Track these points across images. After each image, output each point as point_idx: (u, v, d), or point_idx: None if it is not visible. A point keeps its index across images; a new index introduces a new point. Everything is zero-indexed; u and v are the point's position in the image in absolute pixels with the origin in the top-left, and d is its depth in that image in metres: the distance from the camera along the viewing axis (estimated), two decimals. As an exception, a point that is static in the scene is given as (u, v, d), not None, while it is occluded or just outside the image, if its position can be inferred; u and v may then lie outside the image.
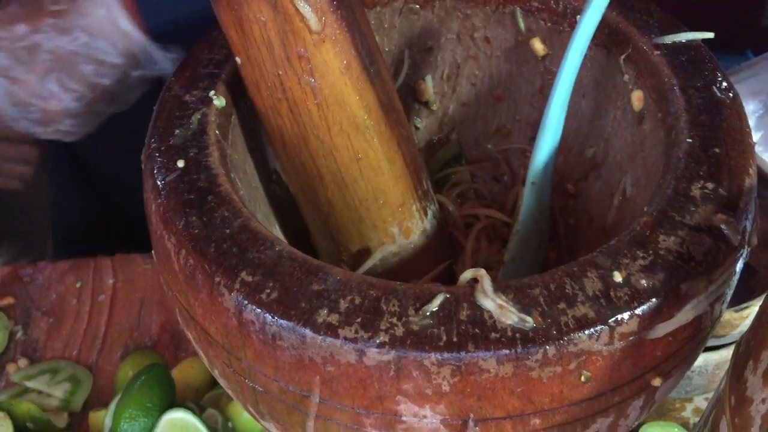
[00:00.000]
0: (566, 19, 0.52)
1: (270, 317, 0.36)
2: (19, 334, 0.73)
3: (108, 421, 0.62)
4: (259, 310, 0.37)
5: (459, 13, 0.56)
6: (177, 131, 0.44)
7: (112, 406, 0.63)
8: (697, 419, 0.66)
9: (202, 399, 0.66)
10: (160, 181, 0.42)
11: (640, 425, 0.63)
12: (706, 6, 0.89)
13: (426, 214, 0.52)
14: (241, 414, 0.63)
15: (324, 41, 0.43)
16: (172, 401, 0.62)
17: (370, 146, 0.47)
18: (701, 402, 0.67)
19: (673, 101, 0.45)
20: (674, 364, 0.40)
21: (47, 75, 0.67)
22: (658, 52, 0.48)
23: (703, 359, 0.60)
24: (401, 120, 0.50)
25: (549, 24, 0.53)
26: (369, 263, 0.49)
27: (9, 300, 0.75)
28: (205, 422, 0.60)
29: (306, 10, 0.41)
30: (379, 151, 0.47)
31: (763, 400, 0.33)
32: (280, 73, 0.43)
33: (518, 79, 0.57)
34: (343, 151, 0.46)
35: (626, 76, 0.50)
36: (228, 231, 0.39)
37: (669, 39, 0.48)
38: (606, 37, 0.50)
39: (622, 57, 0.49)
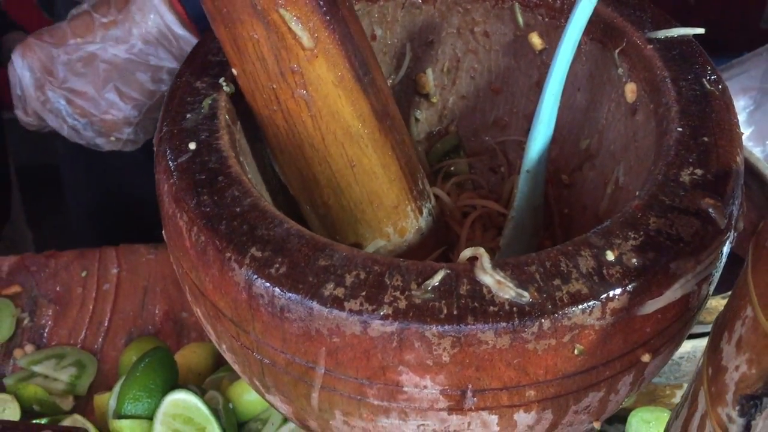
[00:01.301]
0: (563, 14, 0.54)
1: (279, 291, 0.38)
2: (26, 321, 0.75)
3: (112, 403, 0.64)
4: (268, 284, 0.38)
5: (459, 8, 0.58)
6: (188, 115, 0.46)
7: (117, 388, 0.64)
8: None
9: (204, 382, 0.68)
10: (172, 163, 0.44)
11: (630, 411, 0.65)
12: (704, 8, 0.91)
13: (421, 212, 0.54)
14: (242, 396, 0.65)
15: (317, 56, 0.44)
16: (174, 383, 0.64)
17: (364, 154, 0.48)
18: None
19: (665, 93, 0.47)
20: (663, 342, 0.42)
21: (105, 85, 0.69)
22: (651, 47, 0.50)
23: (691, 346, 0.62)
24: (396, 125, 0.51)
25: (547, 19, 0.55)
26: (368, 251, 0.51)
27: (16, 288, 0.77)
28: (206, 403, 0.62)
29: (298, 28, 0.43)
30: (373, 157, 0.49)
31: (737, 368, 0.35)
32: (275, 86, 0.45)
33: (516, 73, 0.59)
34: (338, 158, 0.48)
35: (620, 70, 0.51)
36: (238, 209, 0.41)
37: (662, 34, 0.50)
38: (601, 31, 0.52)
39: (617, 51, 0.51)
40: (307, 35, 0.43)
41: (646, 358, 0.41)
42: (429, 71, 0.61)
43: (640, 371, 0.42)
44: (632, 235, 0.40)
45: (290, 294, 0.38)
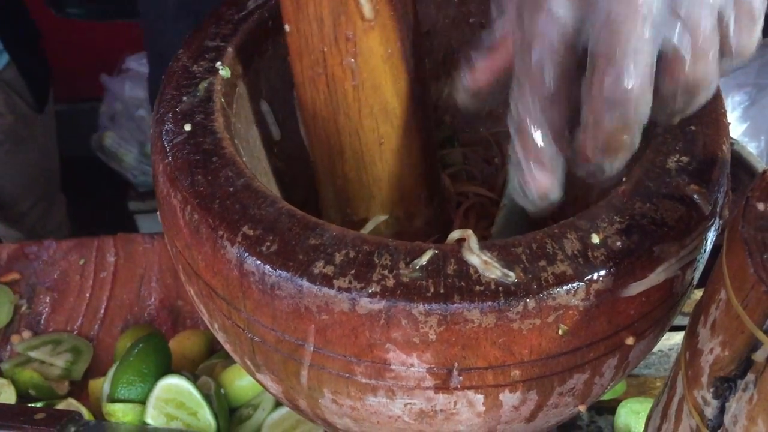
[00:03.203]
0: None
1: (269, 268, 0.39)
2: (23, 308, 0.75)
3: (106, 387, 0.64)
4: (259, 262, 0.39)
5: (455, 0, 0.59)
6: (184, 98, 0.47)
7: (111, 372, 0.65)
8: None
9: (197, 369, 0.69)
10: (168, 143, 0.44)
11: (619, 402, 0.65)
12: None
13: (432, 201, 0.54)
14: (233, 382, 0.65)
15: (373, 28, 0.45)
16: (167, 368, 0.65)
17: (395, 133, 0.49)
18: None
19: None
20: (647, 325, 0.42)
21: None
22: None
23: (681, 338, 0.62)
24: (428, 113, 0.52)
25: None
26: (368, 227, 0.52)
27: (15, 275, 0.78)
28: (199, 388, 0.62)
29: None
30: (402, 138, 0.49)
31: (711, 350, 0.36)
32: (325, 50, 0.45)
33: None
34: (369, 133, 0.48)
35: None
36: (231, 189, 0.42)
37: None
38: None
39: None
40: (370, 7, 0.43)
41: (630, 341, 0.42)
42: (425, 62, 0.62)
43: (624, 354, 0.43)
44: (617, 219, 0.40)
45: (280, 271, 0.39)
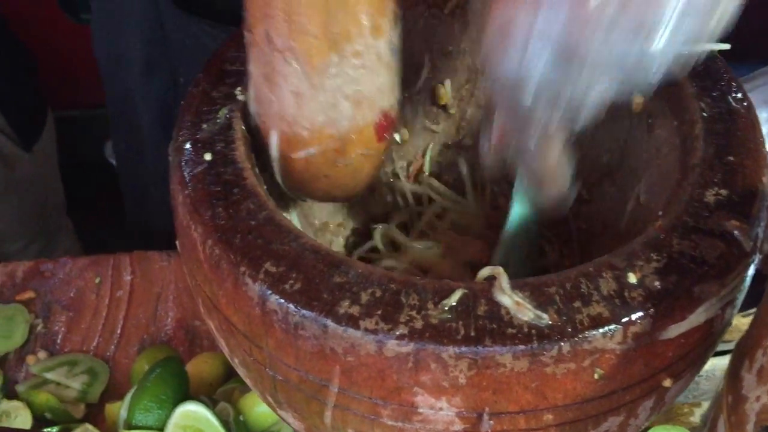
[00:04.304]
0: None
1: (293, 307, 0.37)
2: (39, 327, 0.74)
3: (123, 413, 0.63)
4: (282, 300, 0.38)
5: (479, 20, 0.57)
6: (204, 125, 0.45)
7: (128, 397, 0.64)
8: (705, 425, 0.67)
9: (215, 393, 0.67)
10: (188, 174, 0.43)
11: (647, 428, 0.63)
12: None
13: (397, 24, 0.46)
14: (253, 408, 0.64)
15: None
16: (185, 394, 0.64)
17: None
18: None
19: (689, 110, 0.46)
20: (685, 366, 0.41)
21: None
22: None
23: (710, 364, 0.60)
24: None
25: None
26: None
27: (30, 294, 0.77)
28: (217, 415, 0.61)
29: None
30: None
31: (758, 398, 0.34)
32: None
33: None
34: None
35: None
36: (253, 223, 0.41)
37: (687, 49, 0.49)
38: (624, 46, 0.51)
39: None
40: None
41: (667, 383, 0.40)
42: (447, 82, 0.60)
43: (661, 396, 0.41)
44: (655, 257, 0.39)
45: (304, 311, 0.37)
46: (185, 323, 0.76)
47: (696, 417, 0.68)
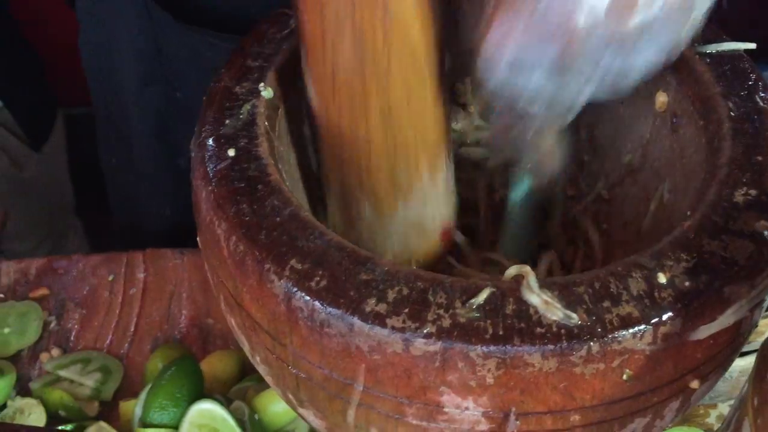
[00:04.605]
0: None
1: (319, 305, 0.37)
2: (52, 325, 0.74)
3: (138, 410, 0.63)
4: (308, 298, 0.37)
5: (469, 21, 0.57)
6: (227, 121, 0.45)
7: (143, 395, 0.64)
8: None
9: (229, 391, 0.67)
10: (211, 170, 0.43)
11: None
12: (752, 17, 0.89)
13: (450, 159, 0.51)
14: (268, 407, 0.64)
15: None
16: (200, 392, 0.63)
17: (423, 85, 0.46)
18: (725, 408, 0.67)
19: (716, 109, 0.46)
20: (712, 368, 0.40)
21: None
22: (701, 61, 0.48)
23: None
24: (443, 64, 0.48)
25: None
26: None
27: (43, 291, 0.76)
28: (232, 413, 0.61)
29: None
30: (429, 91, 0.46)
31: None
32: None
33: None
34: (398, 86, 0.44)
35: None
36: (278, 219, 0.40)
37: (712, 48, 0.49)
38: (648, 45, 0.51)
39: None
40: None
41: (694, 384, 0.40)
42: (468, 81, 0.60)
43: (687, 397, 0.41)
44: (684, 257, 0.38)
45: (331, 308, 0.37)
46: (198, 321, 0.75)
47: (712, 418, 0.67)
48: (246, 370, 0.69)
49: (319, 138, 0.48)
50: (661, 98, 0.51)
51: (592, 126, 0.58)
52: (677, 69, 0.50)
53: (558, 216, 0.60)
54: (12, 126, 1.16)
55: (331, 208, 0.52)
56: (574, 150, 0.59)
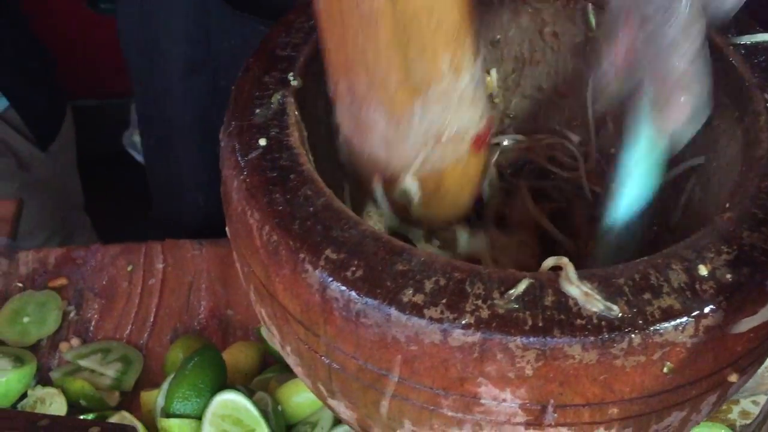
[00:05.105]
0: (640, 16, 0.52)
1: (355, 295, 0.37)
2: (71, 314, 0.74)
3: (160, 401, 0.63)
4: (344, 288, 0.37)
5: (529, 8, 0.56)
6: (257, 111, 0.45)
7: (165, 386, 0.63)
8: (743, 421, 0.66)
9: (251, 383, 0.67)
10: (242, 159, 0.42)
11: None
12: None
13: (476, 56, 0.45)
14: (290, 398, 0.63)
15: None
16: (223, 383, 0.63)
17: None
18: (748, 404, 0.67)
19: (753, 100, 0.45)
20: (750, 361, 0.40)
21: None
22: (736, 52, 0.48)
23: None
24: None
25: (622, 21, 0.53)
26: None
27: (62, 281, 0.76)
28: (256, 404, 0.61)
29: None
30: None
31: None
32: None
33: (585, 77, 0.57)
34: None
35: None
36: (311, 209, 0.40)
37: (746, 39, 0.48)
38: (681, 35, 0.50)
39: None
40: None
41: (733, 378, 0.39)
42: (493, 71, 0.59)
43: (725, 391, 0.40)
44: (725, 249, 0.38)
45: (367, 299, 0.37)
46: (218, 312, 0.75)
47: (734, 414, 0.67)
48: (267, 362, 0.69)
49: (322, 30, 0.43)
50: None
51: (618, 117, 0.57)
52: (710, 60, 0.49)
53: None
54: (19, 126, 1.15)
55: (343, 129, 0.47)
56: (602, 143, 0.59)
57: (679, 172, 0.52)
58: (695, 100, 0.40)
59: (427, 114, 0.44)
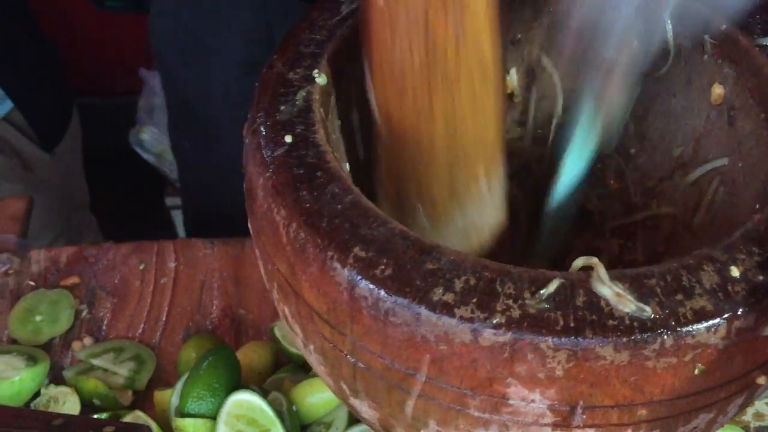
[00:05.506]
0: (664, 16, 0.52)
1: (384, 293, 0.36)
2: (84, 313, 0.74)
3: (174, 400, 0.62)
4: (372, 286, 0.37)
5: (550, 8, 0.56)
6: (282, 107, 0.44)
7: (179, 385, 0.63)
8: (757, 423, 0.66)
9: (265, 382, 0.66)
10: (268, 156, 0.42)
11: None
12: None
13: (504, 164, 0.51)
14: (305, 398, 0.63)
15: None
16: (238, 383, 0.63)
17: (488, 92, 0.46)
18: (762, 406, 0.67)
19: (779, 102, 0.45)
20: (779, 364, 0.40)
21: None
22: (761, 53, 0.48)
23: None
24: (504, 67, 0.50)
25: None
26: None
27: (74, 279, 0.76)
28: (271, 404, 0.60)
29: None
30: (492, 96, 0.46)
31: None
32: (428, 9, 0.41)
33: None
34: (465, 93, 0.44)
35: (725, 71, 0.49)
36: (339, 207, 0.40)
37: (771, 41, 0.48)
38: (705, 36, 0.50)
39: (722, 57, 0.49)
40: None
41: (761, 380, 0.39)
42: (513, 71, 0.59)
43: (752, 393, 0.40)
44: (757, 251, 0.38)
45: (396, 297, 0.36)
46: (230, 312, 0.75)
47: (748, 416, 0.67)
48: (281, 361, 0.69)
49: (378, 136, 0.48)
50: (718, 91, 0.50)
51: (640, 119, 0.57)
52: (735, 61, 0.49)
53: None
54: (24, 128, 1.14)
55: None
56: (620, 142, 0.59)
57: (702, 173, 0.52)
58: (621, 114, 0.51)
59: (465, 218, 0.49)
